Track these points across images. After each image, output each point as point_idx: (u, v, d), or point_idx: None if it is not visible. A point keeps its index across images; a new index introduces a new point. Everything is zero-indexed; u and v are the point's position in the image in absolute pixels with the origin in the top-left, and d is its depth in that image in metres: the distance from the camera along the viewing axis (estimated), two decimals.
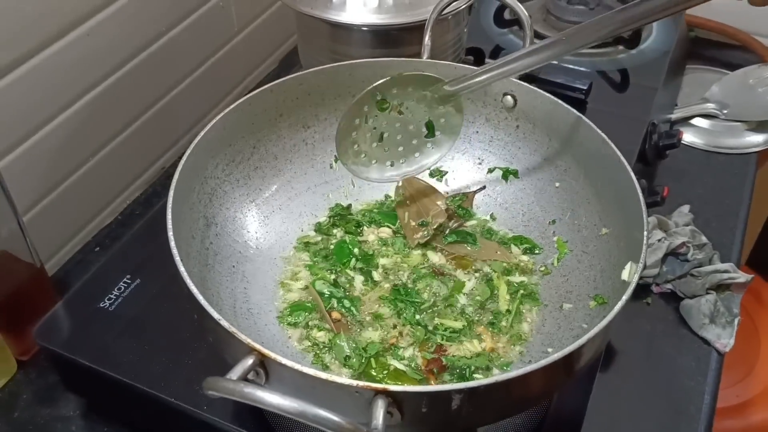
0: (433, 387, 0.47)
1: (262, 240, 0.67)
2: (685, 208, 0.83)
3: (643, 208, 0.54)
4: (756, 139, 0.99)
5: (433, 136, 0.70)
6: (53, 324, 0.66)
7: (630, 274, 0.54)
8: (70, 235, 0.84)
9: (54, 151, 0.77)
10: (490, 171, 0.73)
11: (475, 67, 0.65)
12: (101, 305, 0.66)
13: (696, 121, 1.01)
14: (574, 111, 0.64)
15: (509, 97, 0.69)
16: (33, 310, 0.68)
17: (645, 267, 0.76)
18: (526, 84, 0.68)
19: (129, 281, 0.68)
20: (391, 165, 0.70)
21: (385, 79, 0.65)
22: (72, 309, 0.67)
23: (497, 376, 0.44)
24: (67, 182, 0.81)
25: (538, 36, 1.01)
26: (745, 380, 1.13)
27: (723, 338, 0.75)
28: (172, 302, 0.67)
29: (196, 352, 0.64)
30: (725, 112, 1.00)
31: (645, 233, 0.53)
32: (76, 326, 0.65)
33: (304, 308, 0.63)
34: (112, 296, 0.67)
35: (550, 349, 0.59)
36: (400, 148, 0.69)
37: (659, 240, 0.78)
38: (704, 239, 0.80)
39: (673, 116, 1.01)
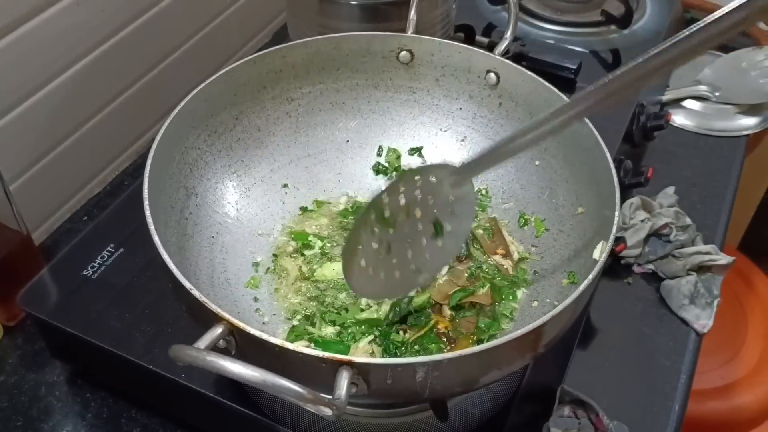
0: (397, 360, 0.48)
1: (243, 212, 0.68)
2: (670, 189, 0.83)
3: (616, 186, 0.54)
4: (747, 122, 0.98)
5: (441, 234, 0.56)
6: (37, 290, 0.66)
7: (600, 252, 0.54)
8: (59, 204, 0.85)
9: (43, 119, 0.78)
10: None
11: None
12: (84, 273, 0.67)
13: (687, 103, 1.01)
14: (554, 89, 0.64)
15: (492, 75, 0.69)
16: (19, 277, 0.69)
17: (626, 246, 0.77)
18: (508, 62, 0.68)
19: (112, 250, 0.69)
20: (399, 275, 0.57)
21: (391, 181, 0.61)
22: (56, 276, 0.67)
23: (461, 350, 0.44)
24: (55, 151, 0.81)
25: (525, 11, 1.01)
26: (730, 363, 1.14)
27: (702, 319, 0.75)
28: (154, 271, 0.68)
29: (177, 320, 0.64)
30: (717, 94, 1.00)
31: (616, 212, 0.53)
32: (59, 293, 0.66)
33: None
34: (95, 264, 0.68)
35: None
36: (409, 253, 0.57)
37: (642, 220, 0.78)
38: (688, 221, 0.80)
39: (664, 98, 1.00)
